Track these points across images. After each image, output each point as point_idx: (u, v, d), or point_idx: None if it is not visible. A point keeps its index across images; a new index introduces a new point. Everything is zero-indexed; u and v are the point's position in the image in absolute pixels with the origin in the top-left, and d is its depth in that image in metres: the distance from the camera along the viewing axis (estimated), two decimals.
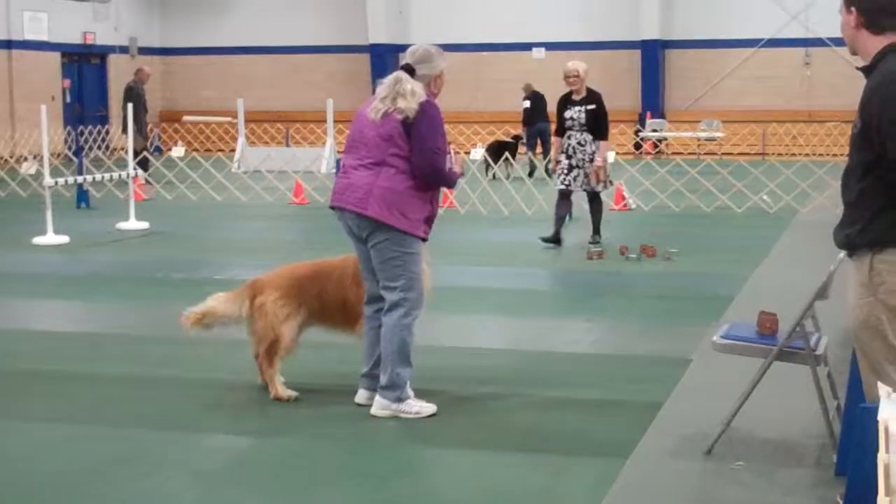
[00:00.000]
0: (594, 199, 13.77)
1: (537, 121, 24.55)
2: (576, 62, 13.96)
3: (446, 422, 6.62)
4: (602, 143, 13.41)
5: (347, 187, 6.58)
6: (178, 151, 27.01)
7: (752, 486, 5.56)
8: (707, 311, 9.58)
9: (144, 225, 16.04)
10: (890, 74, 4.58)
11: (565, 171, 13.47)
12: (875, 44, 4.69)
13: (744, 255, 13.01)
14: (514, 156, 22.91)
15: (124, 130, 22.87)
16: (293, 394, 6.98)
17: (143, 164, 21.33)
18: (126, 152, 16.95)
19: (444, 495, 5.55)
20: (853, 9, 4.69)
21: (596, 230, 13.81)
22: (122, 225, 16.01)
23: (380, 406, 6.61)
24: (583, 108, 13.47)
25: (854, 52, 4.83)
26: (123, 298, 10.93)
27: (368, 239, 6.56)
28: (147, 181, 20.82)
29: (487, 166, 21.76)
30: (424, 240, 6.65)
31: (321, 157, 24.37)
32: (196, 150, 28.91)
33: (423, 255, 6.69)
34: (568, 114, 13.55)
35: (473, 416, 6.74)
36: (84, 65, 32.84)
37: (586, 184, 13.41)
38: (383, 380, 6.58)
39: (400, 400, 6.59)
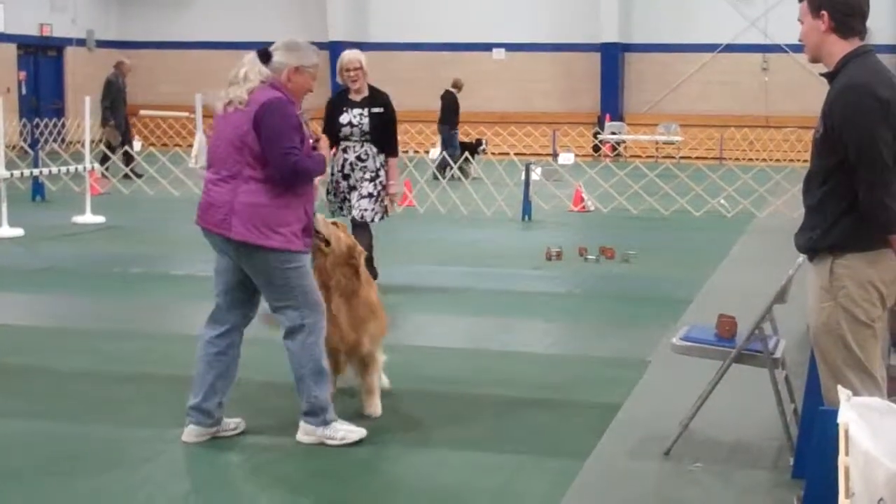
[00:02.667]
0: (361, 232, 9.96)
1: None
2: (355, 51, 10.39)
3: (404, 421, 6.60)
4: (392, 160, 10.28)
5: (209, 206, 5.98)
6: (135, 146, 26.79)
7: (710, 487, 5.59)
8: (665, 313, 9.62)
9: (100, 219, 15.90)
10: (853, 80, 4.62)
11: (344, 193, 10.26)
12: (840, 49, 4.72)
13: (702, 258, 13.08)
14: (472, 156, 22.89)
15: (104, 124, 22.67)
16: None
17: (105, 159, 21.18)
18: (99, 144, 16.79)
19: (401, 494, 5.53)
20: (824, 13, 4.71)
21: None
22: (78, 219, 15.87)
23: (304, 432, 6.12)
24: (365, 111, 10.14)
25: (815, 60, 4.85)
26: (79, 292, 10.82)
27: (241, 261, 5.97)
28: (103, 175, 20.64)
29: (446, 166, 21.75)
30: (305, 252, 6.00)
31: None
32: (153, 144, 28.70)
33: (309, 267, 6.07)
34: (345, 118, 10.12)
35: (431, 416, 6.72)
36: (40, 57, 32.51)
37: (363, 209, 10.15)
38: (303, 406, 6.07)
39: (325, 423, 6.08)
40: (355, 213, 10.19)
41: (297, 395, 6.12)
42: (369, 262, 10.09)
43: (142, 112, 32.56)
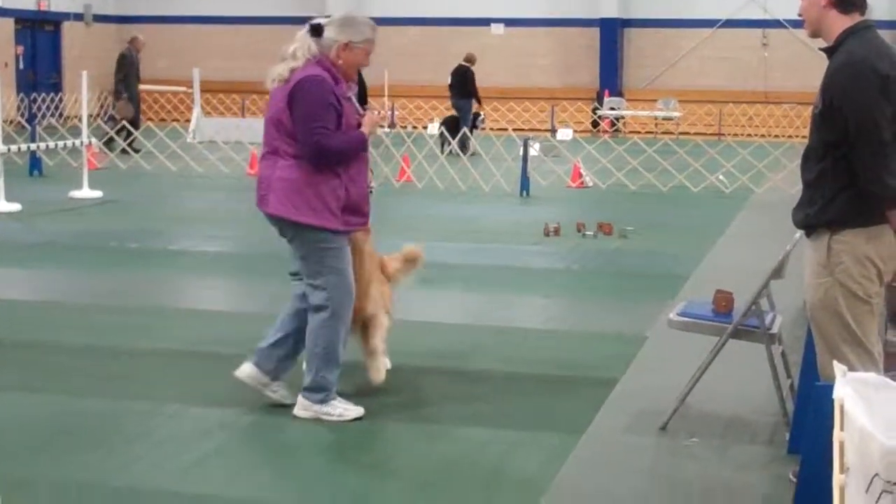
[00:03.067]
0: None
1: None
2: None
3: (402, 396, 6.60)
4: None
5: (257, 183, 6.06)
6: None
7: (706, 461, 5.60)
8: (663, 289, 9.62)
9: (98, 194, 15.88)
10: (853, 55, 4.61)
11: None
12: (840, 24, 4.70)
13: (700, 234, 13.07)
14: (471, 131, 22.85)
15: (117, 97, 22.63)
16: None
17: (120, 133, 21.20)
18: (97, 119, 16.73)
19: (400, 466, 5.53)
20: None
21: None
22: (76, 193, 15.84)
23: (302, 407, 6.12)
24: None
25: (815, 35, 4.83)
26: (76, 267, 10.81)
27: (283, 236, 6.06)
28: (101, 150, 20.62)
29: (444, 141, 21.72)
30: (344, 232, 6.00)
31: None
32: (151, 119, 28.63)
33: (348, 250, 6.05)
34: None
35: (429, 391, 6.73)
36: (38, 32, 32.39)
37: None
38: (307, 380, 6.09)
39: (323, 402, 6.09)
40: None
41: (305, 370, 6.12)
42: None
43: (139, 87, 32.52)
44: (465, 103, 24.16)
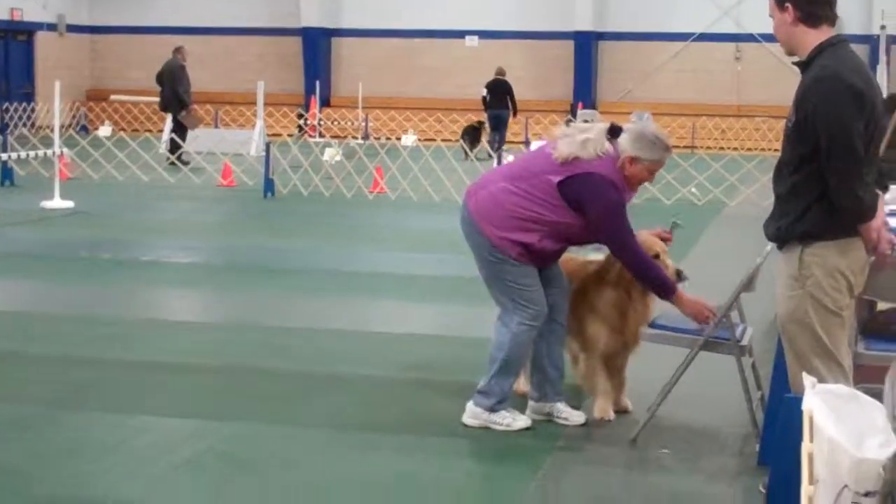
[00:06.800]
0: None
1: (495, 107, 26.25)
2: None
3: (372, 407, 6.58)
4: None
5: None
6: (105, 131, 26.64)
7: (677, 473, 5.61)
8: None
9: (69, 204, 15.78)
10: (826, 69, 4.63)
11: None
12: (812, 38, 4.72)
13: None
14: (478, 139, 25.15)
15: (182, 109, 22.49)
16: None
17: (175, 146, 21.28)
18: (69, 129, 16.64)
19: (364, 480, 5.49)
20: (788, 5, 4.72)
21: None
22: (47, 203, 15.74)
23: (471, 415, 6.18)
24: None
25: (791, 53, 4.84)
26: (47, 277, 10.74)
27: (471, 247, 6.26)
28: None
29: (467, 150, 23.07)
30: (517, 260, 6.07)
31: (250, 140, 24.17)
32: (123, 129, 28.51)
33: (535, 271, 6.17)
34: None
35: (400, 403, 6.71)
36: (11, 41, 32.24)
37: None
38: (481, 384, 6.18)
39: (493, 410, 6.14)
40: None
41: (485, 374, 6.21)
42: None
43: (112, 97, 32.40)
44: (506, 113, 26.23)
